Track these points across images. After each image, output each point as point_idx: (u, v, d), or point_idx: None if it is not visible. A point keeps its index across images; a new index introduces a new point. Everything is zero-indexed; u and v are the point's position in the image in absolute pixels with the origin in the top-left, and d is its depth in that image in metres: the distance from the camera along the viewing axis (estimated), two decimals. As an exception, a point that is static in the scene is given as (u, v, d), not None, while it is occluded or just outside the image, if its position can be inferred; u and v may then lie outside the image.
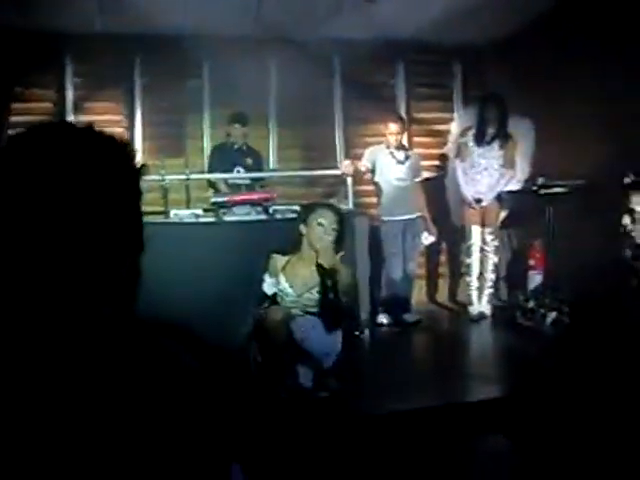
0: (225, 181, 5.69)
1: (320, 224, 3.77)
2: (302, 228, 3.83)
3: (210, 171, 5.84)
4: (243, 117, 5.74)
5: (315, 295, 3.78)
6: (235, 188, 5.52)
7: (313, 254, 3.77)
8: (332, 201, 5.21)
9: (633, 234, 3.25)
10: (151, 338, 0.74)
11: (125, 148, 0.82)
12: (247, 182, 5.64)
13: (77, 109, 6.14)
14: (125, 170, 0.80)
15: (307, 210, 3.93)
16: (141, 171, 0.82)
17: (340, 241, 3.82)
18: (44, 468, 0.66)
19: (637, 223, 3.20)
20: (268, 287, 3.87)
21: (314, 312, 3.78)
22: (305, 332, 3.70)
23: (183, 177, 5.24)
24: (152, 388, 0.70)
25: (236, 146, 5.74)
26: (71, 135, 0.78)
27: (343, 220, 3.86)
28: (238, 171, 5.66)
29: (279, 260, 3.85)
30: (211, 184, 5.79)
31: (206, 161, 6.30)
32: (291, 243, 3.87)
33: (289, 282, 3.81)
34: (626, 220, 3.22)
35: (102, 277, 0.76)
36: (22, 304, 0.73)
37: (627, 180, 4.37)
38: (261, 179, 5.84)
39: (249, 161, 5.76)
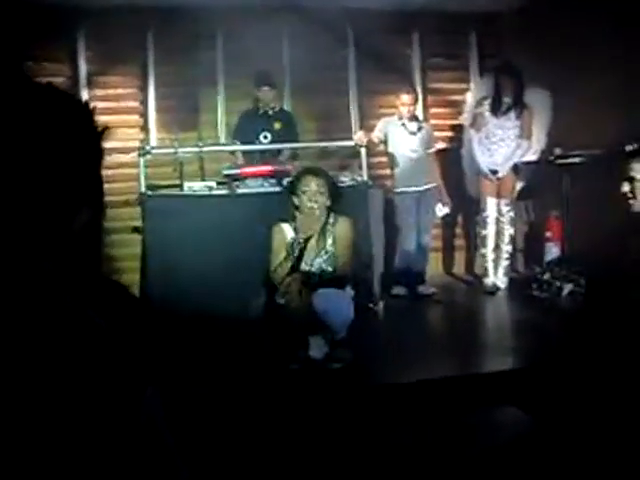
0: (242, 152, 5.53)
1: (304, 192, 3.82)
2: (294, 199, 3.87)
3: (234, 139, 5.62)
4: (268, 77, 5.50)
5: (325, 258, 3.84)
6: (255, 158, 5.32)
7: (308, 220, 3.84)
8: (345, 172, 5.21)
9: (631, 202, 3.19)
10: (60, 299, 0.75)
11: (81, 104, 0.82)
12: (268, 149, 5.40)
13: (90, 83, 6.11)
14: (79, 125, 0.80)
15: (295, 180, 3.98)
16: (100, 132, 0.82)
17: (333, 202, 3.87)
18: None
19: (637, 191, 3.12)
20: None
21: (325, 280, 3.81)
22: (326, 304, 3.71)
23: (196, 149, 5.21)
24: (47, 342, 0.72)
25: (261, 111, 5.54)
26: (26, 88, 0.78)
27: (329, 183, 3.90)
28: (265, 137, 5.46)
29: (287, 231, 3.86)
30: (232, 153, 5.61)
31: (220, 134, 6.27)
32: (289, 216, 3.93)
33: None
34: (625, 188, 3.15)
35: (44, 229, 0.77)
36: None
37: (629, 148, 4.30)
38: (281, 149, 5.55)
39: (277, 126, 5.52)
